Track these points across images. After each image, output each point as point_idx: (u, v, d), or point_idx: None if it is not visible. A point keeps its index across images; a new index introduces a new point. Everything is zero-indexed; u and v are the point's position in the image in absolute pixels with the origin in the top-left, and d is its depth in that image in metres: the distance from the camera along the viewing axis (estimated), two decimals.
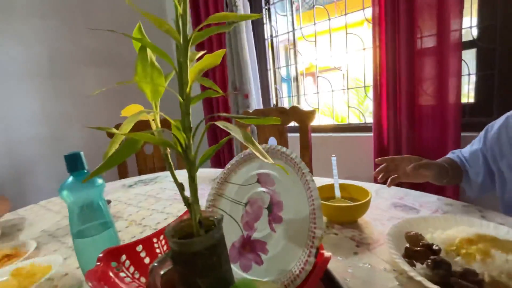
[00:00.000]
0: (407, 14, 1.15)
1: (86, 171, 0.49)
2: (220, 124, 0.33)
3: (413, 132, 1.21)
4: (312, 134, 1.69)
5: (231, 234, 0.49)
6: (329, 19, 1.67)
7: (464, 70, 1.18)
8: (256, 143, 0.33)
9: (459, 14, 1.06)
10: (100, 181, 0.50)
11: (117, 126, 0.36)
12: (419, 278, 0.37)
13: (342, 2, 1.61)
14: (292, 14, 1.88)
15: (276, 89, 2.04)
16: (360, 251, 0.50)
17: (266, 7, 1.93)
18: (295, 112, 1.13)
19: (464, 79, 1.18)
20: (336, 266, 0.47)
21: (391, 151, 1.28)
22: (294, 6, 1.87)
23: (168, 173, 1.31)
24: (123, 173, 1.46)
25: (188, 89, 0.33)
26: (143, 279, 0.43)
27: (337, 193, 0.66)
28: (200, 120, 0.35)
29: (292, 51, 1.95)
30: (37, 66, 1.69)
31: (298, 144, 1.14)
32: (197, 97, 0.34)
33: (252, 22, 1.92)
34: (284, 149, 0.48)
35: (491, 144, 0.65)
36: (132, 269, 0.44)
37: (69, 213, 0.49)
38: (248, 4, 1.84)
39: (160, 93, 0.35)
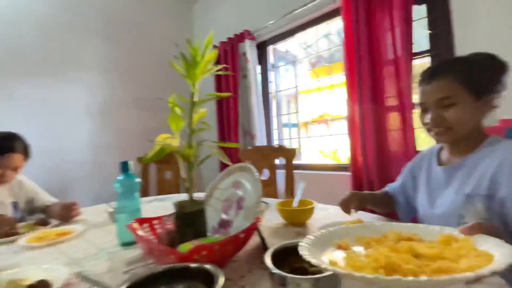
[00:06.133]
0: (371, 79, 1.50)
1: (131, 172, 0.82)
2: (206, 144, 0.65)
3: (382, 172, 1.46)
4: (303, 171, 1.96)
5: (214, 220, 0.77)
6: (326, 78, 2.08)
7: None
8: (227, 158, 0.65)
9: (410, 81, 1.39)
10: (137, 179, 0.82)
11: (145, 154, 0.70)
12: None
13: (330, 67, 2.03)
14: (295, 76, 2.34)
15: (278, 132, 2.40)
16: (298, 237, 0.75)
17: (272, 69, 2.41)
18: (281, 150, 1.44)
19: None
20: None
21: (364, 186, 1.52)
22: (296, 68, 2.33)
23: (180, 194, 1.62)
24: (145, 195, 1.79)
25: (193, 126, 0.66)
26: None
27: (295, 203, 0.92)
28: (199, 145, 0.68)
29: (291, 104, 2.35)
30: (92, 107, 2.20)
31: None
32: (197, 130, 0.67)
33: (261, 79, 2.39)
34: (250, 166, 0.79)
35: (405, 179, 0.90)
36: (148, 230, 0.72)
37: (118, 198, 0.80)
38: (258, 66, 2.33)
39: (179, 129, 0.69)
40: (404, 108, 1.42)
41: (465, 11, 1.33)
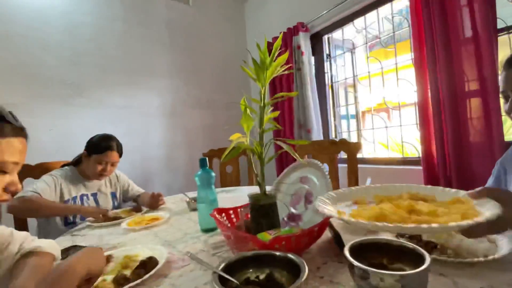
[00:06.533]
0: (446, 59, 1.34)
1: (207, 168, 0.92)
2: (277, 141, 0.69)
3: (461, 167, 1.30)
4: (366, 166, 1.88)
5: (282, 213, 0.82)
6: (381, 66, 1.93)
7: None
8: (296, 154, 0.69)
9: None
10: (213, 173, 0.92)
11: (211, 150, 0.73)
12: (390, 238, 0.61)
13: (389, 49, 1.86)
14: (353, 63, 2.22)
15: (335, 125, 2.33)
16: (369, 234, 0.74)
17: (327, 59, 2.32)
18: (343, 144, 1.40)
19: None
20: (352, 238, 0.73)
21: (441, 183, 1.37)
22: (353, 56, 2.21)
23: (242, 187, 1.73)
24: None
25: (263, 126, 0.71)
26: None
27: None
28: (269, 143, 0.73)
29: (349, 94, 2.24)
30: (164, 109, 2.49)
31: (346, 171, 1.39)
32: (267, 130, 0.72)
33: (316, 70, 2.33)
34: (317, 162, 0.81)
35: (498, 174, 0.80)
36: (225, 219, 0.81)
37: (198, 190, 0.91)
38: (312, 58, 2.28)
39: (250, 128, 0.75)
40: (488, 93, 1.23)
41: None
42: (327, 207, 0.50)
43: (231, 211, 0.83)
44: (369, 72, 2.06)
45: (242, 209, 0.77)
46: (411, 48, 1.55)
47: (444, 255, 0.55)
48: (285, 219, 0.80)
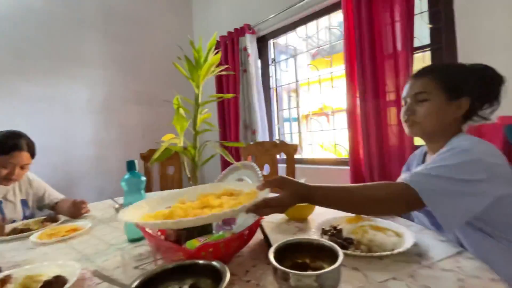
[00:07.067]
0: (372, 71, 1.51)
1: (136, 171, 0.84)
2: (211, 144, 0.67)
3: (382, 167, 1.48)
4: (304, 166, 1.99)
5: None
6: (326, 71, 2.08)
7: None
8: (231, 157, 0.67)
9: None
10: (143, 178, 0.85)
11: (150, 150, 0.68)
12: (315, 236, 0.65)
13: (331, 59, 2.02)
14: (295, 69, 2.33)
15: (279, 127, 2.41)
16: (299, 233, 0.78)
17: (272, 64, 2.40)
18: (282, 146, 1.46)
19: None
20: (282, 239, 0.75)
21: (365, 181, 1.54)
22: (296, 62, 2.32)
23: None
24: (148, 190, 1.82)
25: (197, 127, 0.68)
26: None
27: None
28: (203, 144, 0.70)
29: (292, 98, 2.35)
30: (95, 103, 2.21)
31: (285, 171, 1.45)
32: (201, 131, 0.69)
33: (262, 73, 2.39)
34: (252, 163, 0.81)
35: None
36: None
37: (124, 196, 0.82)
38: (259, 61, 2.32)
39: (183, 129, 0.71)
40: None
41: (467, 5, 1.32)
42: (135, 211, 0.59)
43: None
44: (308, 78, 2.19)
45: None
46: (344, 59, 1.70)
47: (358, 250, 0.60)
48: (219, 223, 0.78)
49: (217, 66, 0.77)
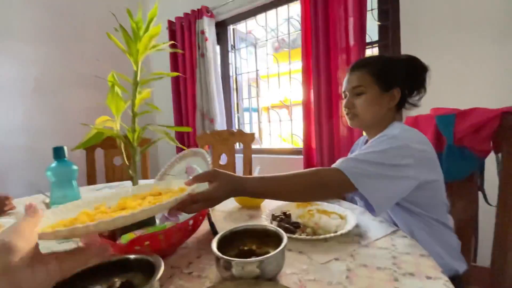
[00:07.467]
0: (326, 65, 1.55)
1: (65, 159, 0.73)
2: (152, 128, 0.60)
3: (333, 156, 1.55)
4: (262, 155, 2.00)
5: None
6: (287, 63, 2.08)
7: None
8: (177, 142, 0.62)
9: None
10: (75, 167, 0.74)
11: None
12: (264, 222, 0.64)
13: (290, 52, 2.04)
14: (256, 58, 2.30)
15: (238, 117, 2.38)
16: (251, 220, 0.76)
17: (232, 51, 2.33)
18: (240, 135, 1.43)
19: None
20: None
21: None
22: (257, 51, 2.29)
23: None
24: (92, 183, 1.64)
25: (135, 108, 0.60)
26: None
27: None
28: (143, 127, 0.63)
29: (252, 88, 2.33)
30: (26, 84, 1.90)
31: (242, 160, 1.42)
32: (140, 113, 0.62)
33: (221, 60, 2.30)
34: (203, 151, 0.76)
35: None
36: None
37: (51, 189, 0.71)
38: (217, 47, 2.23)
39: (120, 111, 0.63)
40: None
41: (411, 6, 1.42)
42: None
43: None
44: (268, 68, 2.18)
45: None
46: (301, 51, 1.72)
47: (304, 233, 0.61)
48: (165, 214, 0.73)
49: (173, 49, 0.69)
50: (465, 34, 1.31)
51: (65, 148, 0.74)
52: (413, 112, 0.95)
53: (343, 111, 0.81)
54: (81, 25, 2.21)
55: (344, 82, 0.80)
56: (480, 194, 0.81)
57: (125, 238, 0.53)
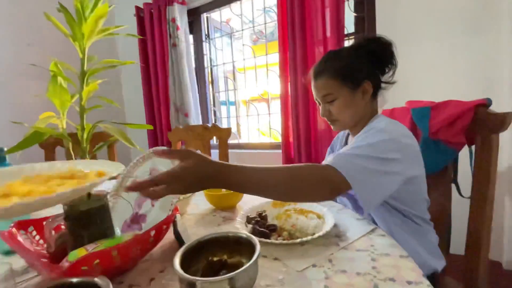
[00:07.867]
0: (303, 58, 1.51)
1: (7, 162, 0.63)
2: (102, 125, 0.52)
3: (310, 150, 1.53)
4: (239, 151, 1.94)
5: (126, 214, 0.67)
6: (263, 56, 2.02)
7: None
8: (134, 142, 0.54)
9: None
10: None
11: (51, 136, 0.51)
12: (239, 226, 0.59)
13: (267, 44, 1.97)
14: (231, 49, 2.20)
15: (214, 111, 2.29)
16: (225, 223, 0.71)
17: (206, 40, 2.22)
18: (215, 130, 1.36)
19: None
20: (205, 233, 0.67)
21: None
22: (234, 42, 2.19)
23: None
24: None
25: (83, 102, 0.52)
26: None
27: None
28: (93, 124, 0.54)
29: (229, 81, 2.24)
30: None
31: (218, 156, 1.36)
32: (89, 108, 0.53)
33: (195, 51, 2.19)
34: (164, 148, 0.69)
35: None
36: (38, 238, 0.58)
37: None
38: (190, 36, 2.11)
39: (66, 106, 0.54)
40: None
41: None
42: None
43: (45, 222, 0.59)
44: (244, 59, 2.11)
45: (49, 220, 0.55)
46: (278, 43, 1.66)
47: (280, 237, 0.57)
48: (128, 221, 0.65)
49: (142, 38, 0.60)
50: (438, 26, 1.33)
51: (4, 149, 0.63)
52: (389, 105, 0.94)
53: (322, 116, 0.77)
54: (37, 14, 1.98)
55: (312, 89, 0.75)
56: (453, 186, 0.82)
57: (73, 255, 0.45)
